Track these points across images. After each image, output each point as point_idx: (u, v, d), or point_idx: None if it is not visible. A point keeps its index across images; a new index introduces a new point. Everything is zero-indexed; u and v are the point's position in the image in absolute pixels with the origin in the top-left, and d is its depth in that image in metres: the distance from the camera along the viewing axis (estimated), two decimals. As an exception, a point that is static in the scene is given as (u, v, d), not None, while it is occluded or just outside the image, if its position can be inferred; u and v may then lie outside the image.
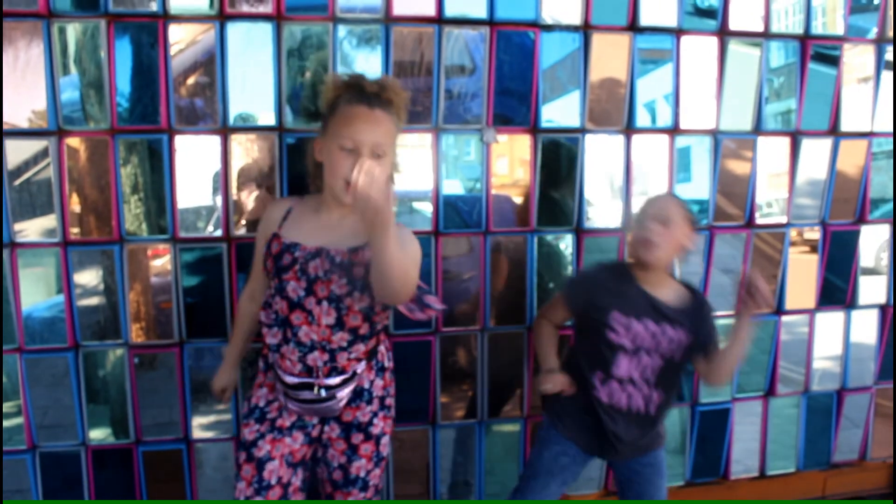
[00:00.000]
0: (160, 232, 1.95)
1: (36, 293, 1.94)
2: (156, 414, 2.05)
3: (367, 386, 1.62)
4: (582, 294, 1.88)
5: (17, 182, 1.88)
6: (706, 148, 2.27)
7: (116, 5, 1.83)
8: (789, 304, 2.43)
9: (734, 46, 2.24)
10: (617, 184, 2.22)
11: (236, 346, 1.84)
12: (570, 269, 2.21)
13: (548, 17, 2.09)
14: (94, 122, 1.88)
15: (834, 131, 2.38)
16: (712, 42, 2.22)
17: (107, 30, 1.84)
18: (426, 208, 2.10)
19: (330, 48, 1.95)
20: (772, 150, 2.33)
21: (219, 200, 1.98)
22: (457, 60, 2.05)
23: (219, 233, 1.98)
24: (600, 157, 2.19)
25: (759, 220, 2.35)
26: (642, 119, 2.21)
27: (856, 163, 2.42)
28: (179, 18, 1.88)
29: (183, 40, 1.90)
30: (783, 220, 2.38)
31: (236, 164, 1.97)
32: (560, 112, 2.15)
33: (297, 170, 1.98)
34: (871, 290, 2.52)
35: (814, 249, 2.43)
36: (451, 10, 2.02)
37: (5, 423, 1.98)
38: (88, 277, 1.95)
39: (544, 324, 1.98)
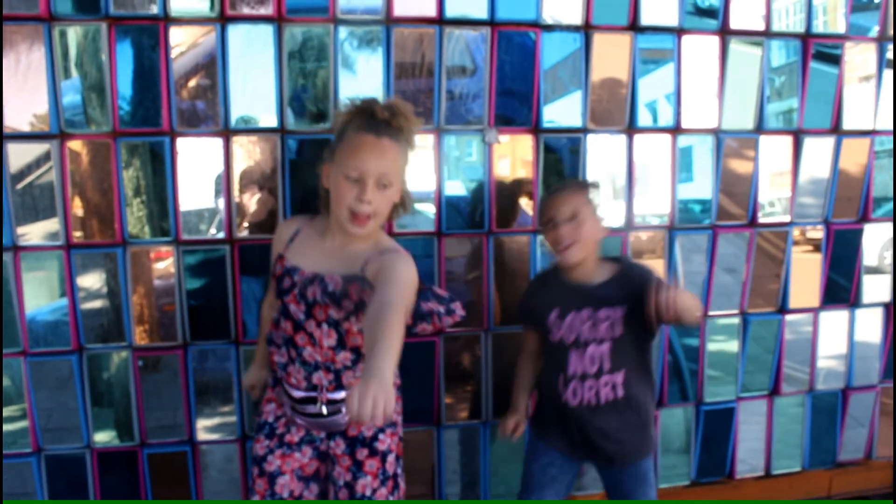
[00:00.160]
0: (163, 235, 1.96)
1: (39, 297, 1.94)
2: (160, 416, 2.06)
3: None
4: (526, 309, 1.92)
5: (20, 186, 1.88)
6: (708, 147, 2.27)
7: (117, 8, 1.84)
8: (793, 303, 2.42)
9: (735, 46, 2.24)
10: (619, 183, 2.22)
11: (263, 347, 1.83)
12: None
13: (548, 18, 2.09)
14: (96, 125, 1.89)
15: (836, 130, 2.37)
16: (713, 41, 2.22)
17: (108, 33, 1.84)
18: (428, 209, 2.10)
19: (331, 50, 1.95)
20: (774, 149, 2.33)
21: (221, 203, 1.98)
22: (458, 61, 2.06)
23: (221, 235, 1.98)
24: (602, 156, 2.18)
25: (761, 220, 2.35)
26: (644, 119, 2.21)
27: (858, 161, 2.42)
28: (180, 21, 1.88)
29: (184, 43, 1.90)
30: (786, 219, 2.37)
31: (238, 167, 1.97)
32: (562, 112, 2.15)
33: (299, 172, 1.98)
34: (875, 288, 2.51)
35: (817, 248, 2.43)
36: (451, 11, 2.02)
37: (10, 427, 1.98)
38: (92, 280, 1.96)
39: (521, 357, 2.00)
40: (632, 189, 2.22)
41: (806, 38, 2.29)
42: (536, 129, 2.13)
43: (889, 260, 2.52)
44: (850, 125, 2.38)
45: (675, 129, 2.23)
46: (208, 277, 2.01)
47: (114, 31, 1.84)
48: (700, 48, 2.22)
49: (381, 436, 1.63)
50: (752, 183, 2.32)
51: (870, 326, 2.52)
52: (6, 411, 1.99)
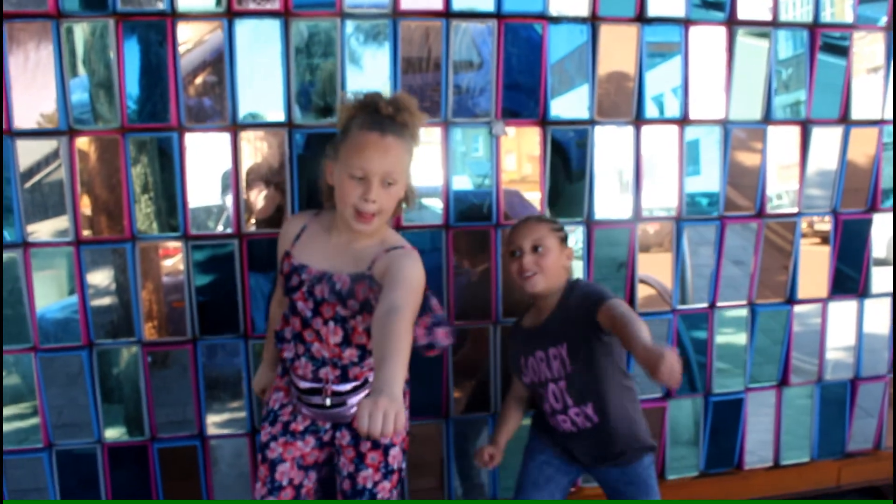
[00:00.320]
0: (171, 231, 1.96)
1: (49, 296, 1.95)
2: (170, 412, 2.06)
3: None
4: (508, 354, 2.00)
5: (30, 184, 1.89)
6: (716, 139, 2.26)
7: (124, 4, 1.84)
8: (801, 294, 2.42)
9: (742, 38, 2.23)
10: (627, 176, 2.22)
11: (272, 347, 1.83)
12: (581, 261, 2.21)
13: (554, 10, 2.08)
14: (104, 121, 1.89)
15: (844, 120, 2.36)
16: (721, 32, 2.21)
17: (115, 29, 1.85)
18: (436, 204, 2.10)
19: (338, 44, 1.95)
20: (782, 141, 2.32)
21: (228, 200, 1.98)
22: (464, 56, 2.05)
23: (230, 231, 1.99)
24: (610, 149, 2.18)
25: (769, 212, 2.34)
26: (651, 113, 2.20)
27: (866, 152, 2.41)
28: (187, 16, 1.88)
29: (190, 39, 1.90)
30: (794, 210, 2.37)
31: (246, 162, 1.97)
32: (569, 106, 2.14)
33: (306, 167, 1.98)
34: (884, 279, 2.50)
35: (825, 241, 2.42)
36: (458, 4, 2.01)
37: (22, 424, 2.00)
38: (101, 276, 1.96)
39: (507, 400, 2.03)
40: (639, 182, 2.22)
41: (814, 27, 2.28)
42: (543, 121, 2.12)
43: (897, 250, 2.52)
44: (859, 116, 2.37)
45: (683, 121, 2.23)
46: (217, 273, 2.01)
47: (121, 27, 1.85)
48: (707, 40, 2.21)
49: None
50: (759, 175, 2.31)
51: (879, 317, 2.52)
52: (18, 408, 2.00)
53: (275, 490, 1.65)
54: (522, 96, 2.11)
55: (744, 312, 2.38)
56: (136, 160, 1.92)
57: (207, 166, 1.97)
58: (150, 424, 2.04)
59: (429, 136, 2.07)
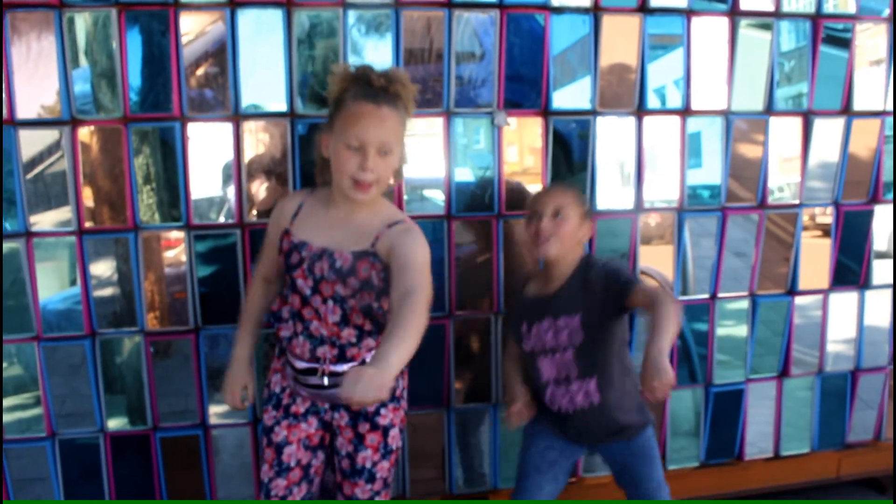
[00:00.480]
0: (173, 221, 1.97)
1: (51, 287, 1.95)
2: (172, 402, 2.07)
3: None
4: (506, 319, 2.00)
5: (32, 174, 1.89)
6: (718, 130, 2.26)
7: (127, -6, 1.84)
8: (802, 286, 2.42)
9: (745, 31, 2.23)
10: (629, 167, 2.22)
11: (246, 341, 1.76)
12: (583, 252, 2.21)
13: (557, 0, 2.08)
14: (106, 111, 1.89)
15: (846, 111, 2.36)
16: (723, 23, 2.21)
17: (118, 19, 1.84)
18: (437, 195, 2.10)
19: (340, 35, 1.95)
20: (783, 132, 2.32)
21: (230, 191, 1.99)
22: (466, 47, 2.05)
23: (232, 220, 1.99)
24: (611, 140, 2.18)
25: (770, 203, 2.35)
26: (653, 104, 2.20)
27: (868, 145, 2.41)
28: (190, 6, 1.88)
29: (193, 30, 1.90)
30: (795, 202, 2.37)
31: (248, 152, 1.98)
32: (571, 98, 2.14)
33: (308, 157, 1.98)
34: (885, 271, 2.50)
35: (826, 234, 2.42)
36: (460, -7, 2.01)
37: (25, 414, 2.00)
38: (104, 266, 1.97)
39: (504, 358, 2.05)
40: (641, 173, 2.22)
41: (816, 18, 2.27)
42: (545, 111, 2.12)
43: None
44: (861, 108, 2.37)
45: (685, 111, 2.23)
46: (219, 264, 2.02)
47: (124, 17, 1.85)
48: (709, 31, 2.21)
49: (382, 411, 1.64)
50: (761, 167, 2.32)
51: (879, 309, 2.52)
52: (21, 398, 2.01)
53: (283, 472, 1.66)
54: (524, 87, 2.11)
55: (745, 304, 2.38)
56: (138, 150, 1.92)
57: (210, 156, 1.97)
58: (153, 414, 2.05)
59: (430, 128, 2.07)
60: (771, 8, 2.24)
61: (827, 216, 2.42)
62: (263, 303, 1.76)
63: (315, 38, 1.96)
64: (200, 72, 1.93)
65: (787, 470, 2.54)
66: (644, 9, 2.14)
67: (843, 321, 2.49)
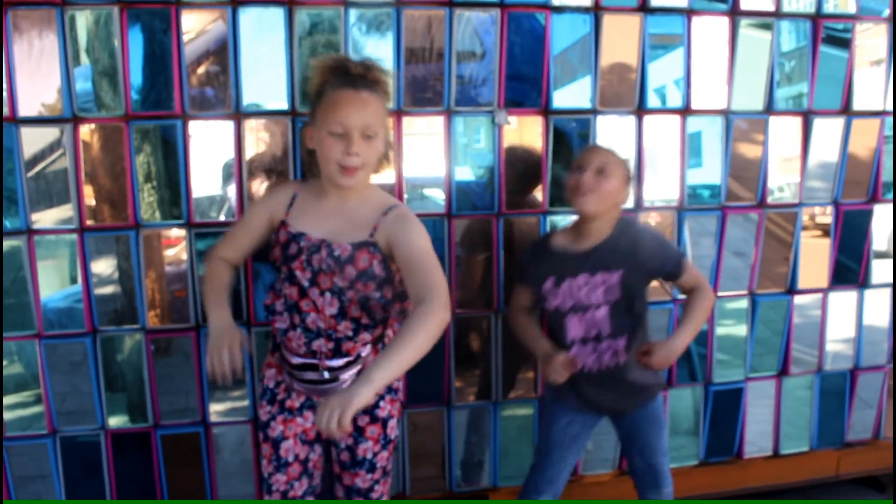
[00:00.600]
0: (174, 220, 1.97)
1: (53, 283, 1.96)
2: (173, 400, 2.07)
3: None
4: (524, 275, 1.93)
5: (33, 172, 1.89)
6: (718, 130, 2.27)
7: (129, -9, 1.85)
8: (802, 285, 2.42)
9: (745, 30, 2.23)
10: (629, 166, 2.21)
11: (226, 306, 1.63)
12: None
13: (557, 0, 2.08)
14: (108, 110, 1.89)
15: (846, 111, 2.37)
16: (723, 23, 2.22)
17: (119, 17, 1.85)
18: (437, 194, 2.11)
19: (342, 33, 1.96)
20: (783, 132, 2.32)
21: (231, 190, 1.99)
22: (467, 46, 2.05)
23: (233, 219, 1.99)
24: (612, 139, 2.18)
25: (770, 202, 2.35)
26: (653, 103, 2.20)
27: (867, 145, 2.41)
28: (191, 5, 1.88)
29: (193, 29, 1.90)
30: (795, 201, 2.37)
31: (249, 150, 1.98)
32: (571, 97, 2.15)
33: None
34: (884, 270, 2.51)
35: (826, 233, 2.43)
36: (462, -8, 2.02)
37: (26, 412, 2.01)
38: (105, 264, 1.97)
39: (515, 314, 1.96)
40: (641, 172, 2.22)
41: (816, 18, 2.28)
42: (546, 110, 2.13)
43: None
44: (860, 108, 2.38)
45: (685, 111, 2.23)
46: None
47: (125, 15, 1.85)
48: (710, 30, 2.21)
49: (381, 402, 1.65)
50: (761, 167, 2.32)
51: (878, 308, 2.53)
52: (22, 395, 2.01)
53: (281, 467, 1.67)
54: (525, 86, 2.12)
55: (744, 304, 2.39)
56: (139, 148, 1.92)
57: (211, 155, 1.98)
58: (154, 411, 2.05)
59: (431, 127, 2.08)
60: (771, 8, 2.24)
61: (826, 216, 2.42)
62: (228, 279, 1.69)
63: (316, 36, 1.96)
64: (202, 70, 1.93)
65: (786, 468, 2.54)
66: (644, 8, 2.14)
67: (842, 320, 2.50)
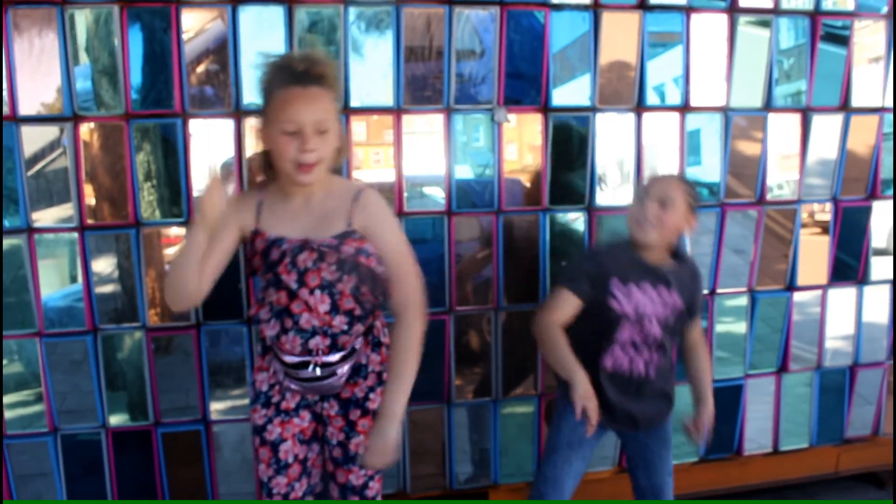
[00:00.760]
0: (174, 218, 1.97)
1: (53, 282, 1.96)
2: (173, 398, 2.08)
3: (363, 361, 1.64)
4: (587, 276, 1.82)
5: (34, 170, 1.89)
6: (716, 128, 2.27)
7: (129, -10, 1.85)
8: (801, 282, 2.43)
9: (744, 28, 2.24)
10: (628, 163, 2.22)
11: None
12: (583, 247, 2.23)
13: (557, -3, 2.09)
14: (108, 108, 1.90)
15: (845, 108, 2.37)
16: (722, 20, 2.22)
17: (119, 16, 1.85)
18: (437, 192, 2.11)
19: (341, 31, 1.96)
20: (782, 129, 2.33)
21: (231, 188, 1.99)
22: (466, 44, 2.06)
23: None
24: (611, 136, 2.19)
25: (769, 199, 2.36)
26: (653, 101, 2.21)
27: (866, 142, 2.42)
28: (191, 3, 1.89)
29: (193, 27, 1.91)
30: (794, 198, 2.38)
31: (249, 149, 1.98)
32: (571, 94, 2.15)
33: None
34: (883, 266, 2.51)
35: (825, 230, 2.43)
36: (461, -10, 2.02)
37: (26, 410, 2.01)
38: (105, 262, 1.97)
39: (553, 326, 1.80)
40: (640, 170, 2.23)
41: (815, 15, 2.28)
42: (545, 108, 2.13)
43: (895, 239, 2.52)
44: (859, 105, 2.38)
45: (684, 108, 2.23)
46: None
47: (125, 14, 1.85)
48: (709, 28, 2.22)
49: (371, 395, 1.65)
50: (760, 164, 2.32)
51: (878, 304, 2.53)
52: (23, 394, 2.01)
53: (282, 469, 1.65)
54: (524, 84, 2.12)
55: (744, 301, 2.39)
56: (139, 147, 1.93)
57: (211, 154, 1.98)
58: (154, 410, 2.06)
59: (430, 125, 2.08)
60: (770, 5, 2.25)
61: (825, 213, 2.42)
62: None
63: (316, 35, 1.96)
64: (202, 68, 1.93)
65: (785, 465, 2.55)
66: (643, 6, 2.14)
67: (841, 317, 2.50)
